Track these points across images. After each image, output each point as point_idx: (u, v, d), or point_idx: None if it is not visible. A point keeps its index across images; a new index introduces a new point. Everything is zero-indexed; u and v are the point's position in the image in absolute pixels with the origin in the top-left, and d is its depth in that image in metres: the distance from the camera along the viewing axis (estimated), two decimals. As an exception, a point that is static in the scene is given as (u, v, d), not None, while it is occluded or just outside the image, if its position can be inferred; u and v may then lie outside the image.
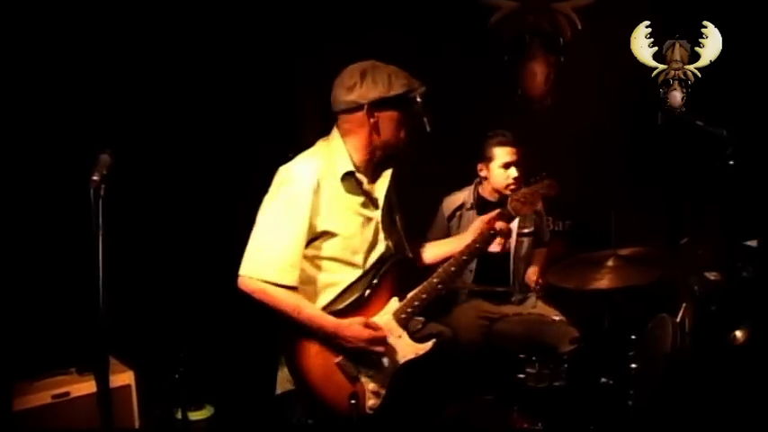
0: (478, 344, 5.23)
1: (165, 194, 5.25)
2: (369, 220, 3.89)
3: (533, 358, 4.88)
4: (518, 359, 4.90)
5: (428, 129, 4.83)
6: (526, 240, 5.75)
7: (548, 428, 4.58)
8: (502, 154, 5.49)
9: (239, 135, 5.73)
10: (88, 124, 5.05)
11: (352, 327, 3.72)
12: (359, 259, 3.83)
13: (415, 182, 6.36)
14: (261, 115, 5.85)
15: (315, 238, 3.74)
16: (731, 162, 5.09)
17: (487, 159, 5.54)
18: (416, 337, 3.96)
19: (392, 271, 3.91)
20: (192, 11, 5.50)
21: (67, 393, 4.65)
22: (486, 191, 5.66)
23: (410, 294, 3.93)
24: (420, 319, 5.24)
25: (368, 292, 3.85)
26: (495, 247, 4.18)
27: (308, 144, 6.20)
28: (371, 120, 3.77)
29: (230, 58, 5.68)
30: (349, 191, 3.81)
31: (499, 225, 4.10)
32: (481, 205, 5.69)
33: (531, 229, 5.76)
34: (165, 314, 5.28)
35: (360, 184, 3.84)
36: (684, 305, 5.52)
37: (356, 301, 3.83)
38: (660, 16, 5.96)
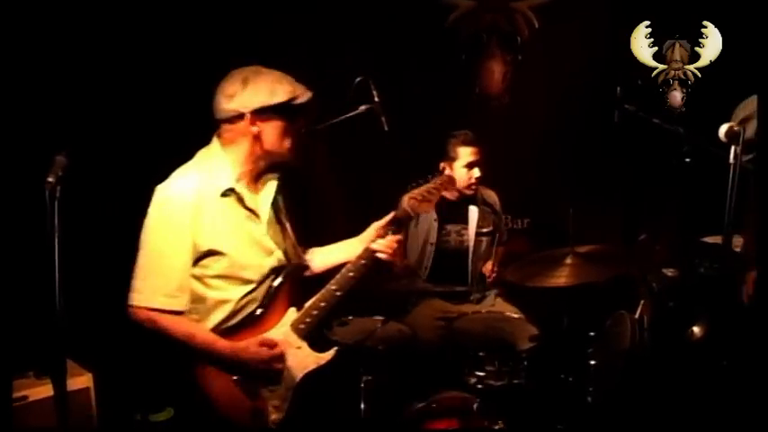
0: (438, 343, 5.22)
1: (121, 195, 5.20)
2: (254, 233, 3.73)
3: (493, 356, 4.90)
4: (477, 357, 4.91)
5: (385, 128, 4.85)
6: (485, 240, 5.76)
7: (508, 426, 4.58)
8: (465, 154, 5.50)
9: (195, 134, 5.69)
10: (43, 126, 5.00)
11: (249, 349, 3.58)
12: (249, 274, 3.66)
13: (374, 181, 6.40)
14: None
15: (200, 257, 3.57)
16: (687, 159, 5.12)
17: (451, 159, 5.54)
18: (317, 347, 3.82)
19: (287, 281, 3.77)
20: (145, 12, 5.46)
21: (26, 397, 4.59)
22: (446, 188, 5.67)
23: (308, 303, 3.79)
24: (379, 318, 5.27)
25: (262, 306, 3.72)
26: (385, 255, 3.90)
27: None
28: (254, 129, 3.57)
29: (185, 58, 5.65)
30: (231, 207, 3.63)
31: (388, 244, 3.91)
32: (440, 203, 5.68)
33: (490, 228, 5.77)
34: (125, 316, 5.24)
35: (241, 199, 3.65)
36: (642, 302, 5.54)
37: (250, 317, 3.69)
38: (623, 15, 6.02)
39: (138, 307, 3.52)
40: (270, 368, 3.63)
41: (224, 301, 3.63)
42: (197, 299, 3.61)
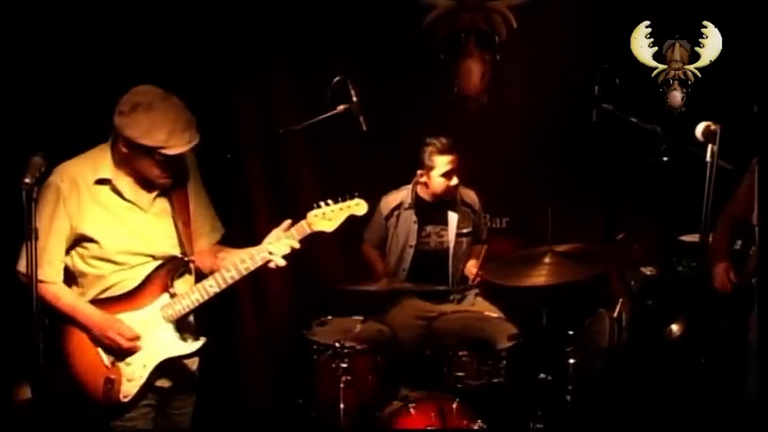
0: (417, 342, 5.23)
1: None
2: (134, 223, 3.82)
3: (472, 356, 4.90)
4: (456, 357, 4.92)
5: (364, 128, 4.84)
6: (465, 240, 5.76)
7: (487, 426, 4.58)
8: (442, 163, 5.48)
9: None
10: (19, 127, 4.98)
11: (105, 327, 3.74)
12: (123, 258, 3.78)
13: (353, 182, 6.39)
14: (196, 115, 5.78)
15: (78, 239, 3.75)
16: (665, 158, 5.13)
17: (428, 168, 5.53)
18: (186, 337, 3.90)
19: (164, 268, 3.86)
20: (126, 11, 5.44)
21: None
22: (424, 192, 5.66)
23: (180, 291, 3.89)
24: (358, 318, 5.26)
25: (135, 289, 3.83)
26: (280, 260, 3.93)
27: (245, 144, 6.24)
28: (124, 150, 3.67)
29: (163, 55, 5.62)
30: (106, 195, 3.76)
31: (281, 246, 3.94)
32: (419, 205, 5.70)
33: (470, 229, 5.78)
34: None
35: (118, 191, 3.77)
36: (621, 300, 5.56)
37: (125, 294, 3.82)
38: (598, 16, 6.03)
39: (19, 272, 3.71)
40: (120, 353, 3.77)
41: (100, 277, 3.78)
42: (80, 274, 3.80)
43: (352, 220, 6.11)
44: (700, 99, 5.33)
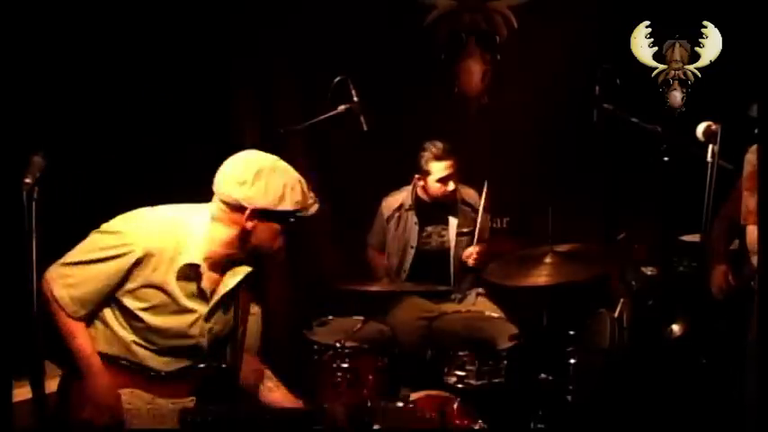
0: (418, 342, 5.23)
1: (97, 195, 5.18)
2: (188, 311, 3.58)
3: (473, 355, 4.90)
4: (457, 357, 4.92)
5: (365, 128, 4.85)
6: (465, 239, 5.76)
7: (488, 426, 4.58)
8: (438, 169, 5.48)
9: (171, 134, 5.67)
10: (20, 126, 4.98)
11: (109, 409, 3.52)
12: (159, 343, 3.57)
13: (354, 182, 6.40)
14: (194, 116, 5.79)
15: (121, 304, 3.52)
16: (666, 158, 5.13)
17: (425, 173, 5.54)
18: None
19: (197, 373, 3.66)
20: (126, 11, 5.44)
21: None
22: (424, 193, 5.66)
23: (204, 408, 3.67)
24: (359, 318, 5.26)
25: (160, 374, 3.60)
26: None
27: (246, 144, 6.23)
28: (249, 224, 3.45)
29: (163, 57, 5.63)
30: (180, 278, 3.50)
31: None
32: (419, 206, 5.70)
33: (471, 228, 5.77)
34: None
35: (198, 277, 3.54)
36: (622, 300, 5.56)
37: (143, 375, 3.58)
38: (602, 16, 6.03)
39: (48, 281, 3.48)
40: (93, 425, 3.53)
41: (123, 342, 3.56)
42: (104, 322, 3.57)
43: (353, 220, 6.16)
44: (700, 99, 5.33)
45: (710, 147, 3.44)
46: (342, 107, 4.83)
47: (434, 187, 5.54)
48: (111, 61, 5.40)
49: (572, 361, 4.96)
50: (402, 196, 5.77)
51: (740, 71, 5.24)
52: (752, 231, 3.82)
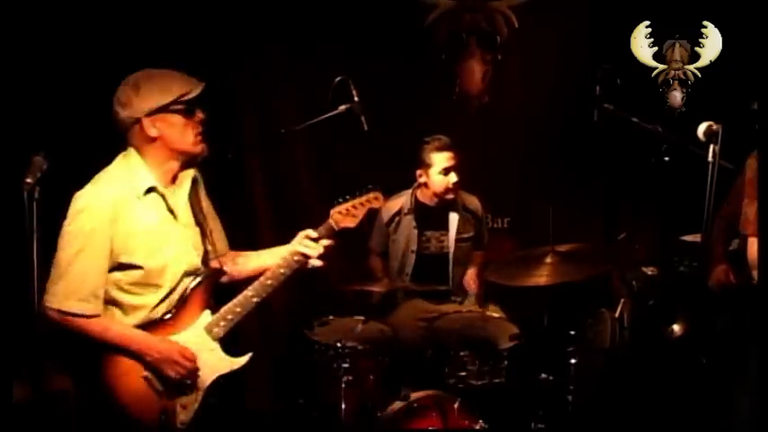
0: (419, 342, 5.23)
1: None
2: (172, 236, 3.69)
3: (473, 356, 4.90)
4: (458, 357, 4.92)
5: (365, 128, 4.84)
6: (465, 245, 5.77)
7: (488, 426, 4.59)
8: (441, 160, 5.49)
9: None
10: (20, 126, 4.98)
11: (166, 352, 3.60)
12: (163, 280, 3.64)
13: (354, 183, 6.40)
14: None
15: (116, 267, 3.57)
16: (666, 158, 5.14)
17: (426, 165, 5.54)
18: (231, 351, 3.79)
19: (202, 285, 3.74)
20: (127, 11, 5.44)
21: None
22: (425, 196, 5.67)
23: (224, 308, 3.77)
24: (360, 318, 5.26)
25: (174, 309, 3.69)
26: (317, 262, 3.90)
27: (246, 144, 6.24)
28: (153, 132, 3.55)
29: (162, 56, 5.62)
30: (152, 208, 3.62)
31: (314, 248, 3.88)
32: (419, 210, 5.70)
33: (471, 233, 5.78)
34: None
35: (163, 197, 3.65)
36: (623, 300, 5.57)
37: (162, 319, 3.67)
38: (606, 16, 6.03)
39: (50, 308, 3.48)
40: (179, 376, 3.62)
41: (138, 307, 3.62)
42: (112, 301, 3.61)
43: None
44: (700, 99, 5.33)
45: (711, 147, 3.44)
46: (342, 107, 4.82)
47: (436, 180, 5.54)
48: (110, 61, 5.40)
49: (572, 361, 4.97)
50: (401, 201, 5.77)
51: (740, 71, 5.24)
52: (752, 244, 3.78)
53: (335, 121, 4.87)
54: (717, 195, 3.64)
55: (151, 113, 3.53)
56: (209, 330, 3.72)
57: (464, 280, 5.77)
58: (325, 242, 3.88)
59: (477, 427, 4.58)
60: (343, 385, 4.78)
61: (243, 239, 4.34)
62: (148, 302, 3.64)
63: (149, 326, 3.63)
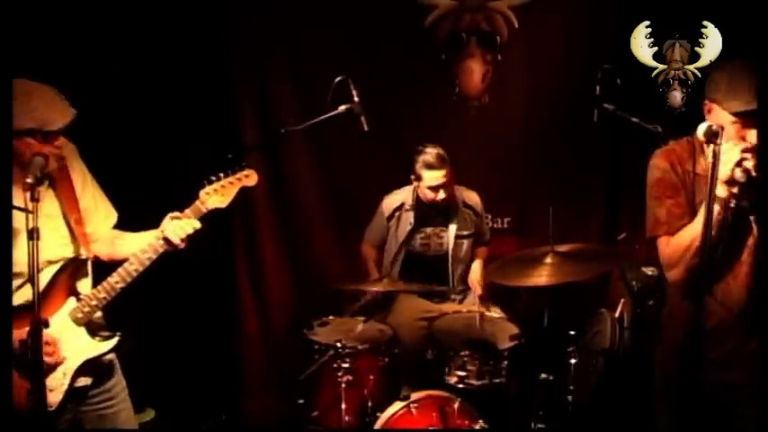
0: (418, 342, 5.23)
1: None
2: (28, 229, 3.49)
3: (473, 356, 4.90)
4: (458, 357, 4.92)
5: (365, 128, 4.85)
6: (465, 242, 5.77)
7: (488, 426, 4.59)
8: (430, 178, 5.49)
9: (170, 134, 5.67)
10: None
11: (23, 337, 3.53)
12: (20, 269, 3.57)
13: (354, 182, 6.40)
14: (193, 115, 5.79)
15: None
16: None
17: (417, 177, 5.56)
18: (100, 335, 3.80)
19: (66, 272, 3.75)
20: (125, 11, 5.44)
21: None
22: (424, 194, 5.67)
23: (87, 293, 3.78)
24: (360, 318, 5.27)
25: (37, 295, 3.50)
26: (178, 243, 3.79)
27: (246, 144, 6.23)
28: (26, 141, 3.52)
29: (162, 56, 5.63)
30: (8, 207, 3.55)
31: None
32: (420, 206, 5.70)
33: (471, 231, 5.79)
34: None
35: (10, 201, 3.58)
36: (623, 300, 5.56)
37: (29, 305, 3.50)
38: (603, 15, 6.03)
39: None
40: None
41: None
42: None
43: (355, 220, 6.16)
44: (700, 99, 5.34)
45: (712, 147, 3.43)
46: (342, 107, 4.82)
47: (425, 192, 5.56)
48: (110, 61, 5.40)
49: (572, 361, 4.98)
50: (402, 196, 5.77)
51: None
52: (663, 243, 3.77)
53: (336, 121, 4.88)
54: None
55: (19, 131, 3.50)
56: (73, 316, 3.75)
57: (469, 280, 5.78)
58: (191, 224, 3.81)
59: (477, 427, 4.59)
60: (343, 385, 4.79)
61: (242, 239, 4.35)
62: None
63: (20, 308, 3.58)
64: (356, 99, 4.81)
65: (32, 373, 3.34)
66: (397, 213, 5.75)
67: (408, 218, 5.68)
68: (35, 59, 4.98)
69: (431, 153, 5.49)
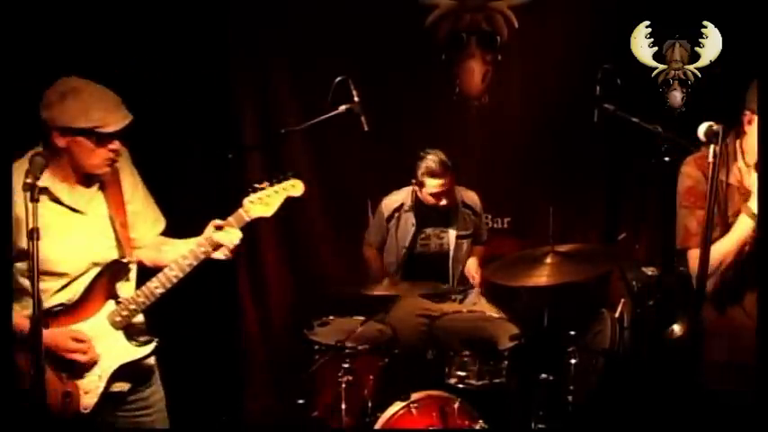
0: (418, 342, 5.23)
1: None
2: (74, 228, 3.69)
3: (473, 356, 4.90)
4: (458, 357, 4.92)
5: (365, 128, 4.85)
6: (465, 242, 5.79)
7: (488, 426, 4.59)
8: (432, 185, 5.51)
9: (170, 134, 5.67)
10: (21, 126, 4.97)
11: (57, 338, 3.60)
12: (64, 268, 3.65)
13: (354, 182, 6.40)
14: (193, 115, 5.78)
15: (19, 256, 3.54)
16: (667, 158, 5.13)
17: (419, 183, 5.57)
18: (137, 340, 3.80)
19: (105, 275, 3.74)
20: (125, 11, 5.43)
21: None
22: (423, 195, 5.67)
23: (127, 297, 3.78)
24: (360, 318, 5.26)
25: (77, 298, 3.70)
26: (220, 254, 3.83)
27: (246, 144, 6.23)
28: (61, 143, 3.54)
29: (162, 57, 5.62)
30: (46, 205, 3.56)
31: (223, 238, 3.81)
32: (419, 207, 5.70)
33: (470, 231, 5.79)
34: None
35: (56, 199, 3.63)
36: (623, 300, 5.56)
37: (69, 306, 3.69)
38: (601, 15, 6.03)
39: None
40: (75, 360, 3.65)
41: (42, 292, 3.52)
42: (21, 290, 3.58)
43: (355, 221, 6.17)
44: (700, 99, 5.33)
45: (712, 147, 3.43)
46: (343, 107, 4.82)
47: (427, 198, 5.59)
48: (110, 62, 5.40)
49: (573, 361, 4.97)
50: (402, 197, 5.78)
51: (740, 71, 5.24)
52: (694, 257, 3.73)
53: (336, 122, 4.88)
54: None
55: (63, 129, 3.51)
56: (111, 320, 3.73)
57: (465, 270, 5.78)
58: (234, 234, 3.80)
59: (477, 427, 4.59)
60: (343, 385, 4.79)
61: (242, 239, 4.32)
62: (48, 289, 3.64)
63: (53, 314, 3.64)
64: (356, 99, 4.82)
65: (33, 372, 3.31)
66: (396, 214, 5.75)
67: (409, 219, 5.69)
68: (35, 59, 5.04)
69: (433, 160, 5.50)
